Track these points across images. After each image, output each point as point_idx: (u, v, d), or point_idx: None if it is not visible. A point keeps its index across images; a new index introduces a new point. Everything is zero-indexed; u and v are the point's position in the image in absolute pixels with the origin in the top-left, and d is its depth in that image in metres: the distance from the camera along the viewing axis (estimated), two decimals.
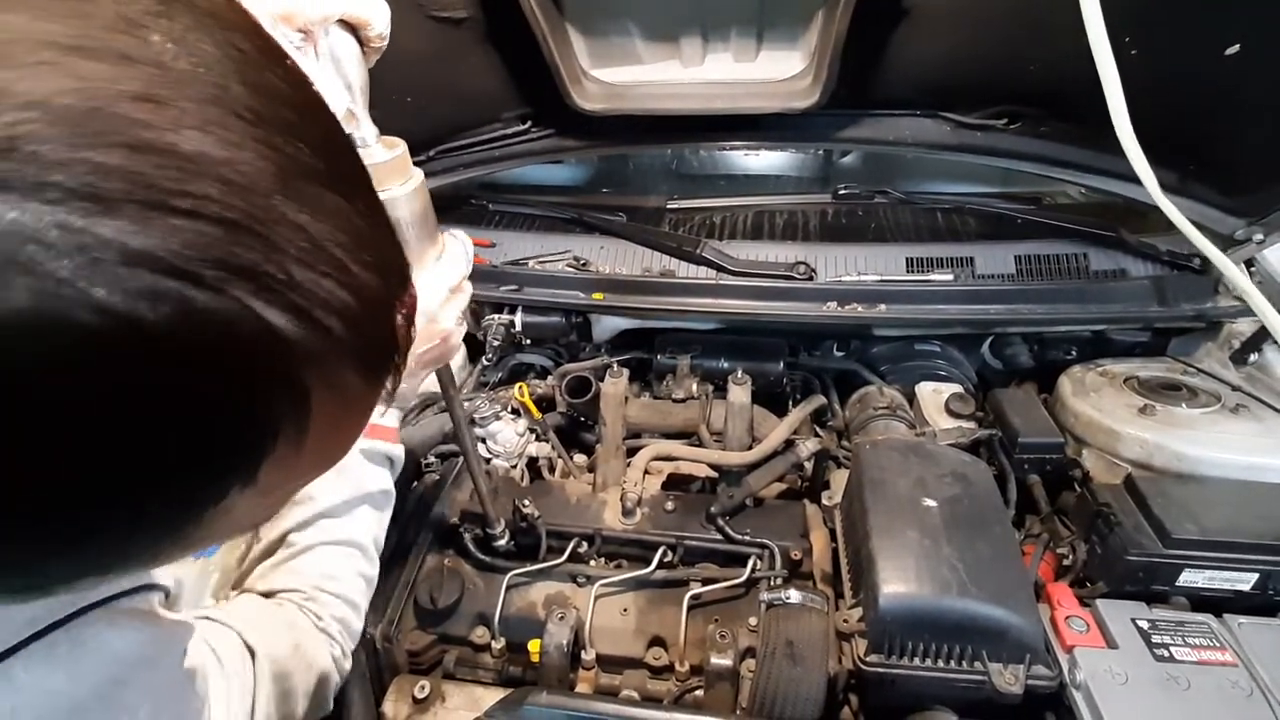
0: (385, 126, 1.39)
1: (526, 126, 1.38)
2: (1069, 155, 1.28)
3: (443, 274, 0.85)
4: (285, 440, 0.30)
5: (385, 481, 0.90)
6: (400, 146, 0.75)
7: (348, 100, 0.69)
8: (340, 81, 0.68)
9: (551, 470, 1.56)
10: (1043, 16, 0.97)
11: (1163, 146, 1.23)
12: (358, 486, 0.86)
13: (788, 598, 1.02)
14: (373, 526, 0.88)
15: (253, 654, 0.68)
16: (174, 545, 0.31)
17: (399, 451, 0.92)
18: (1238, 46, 0.94)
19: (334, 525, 0.83)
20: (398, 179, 0.75)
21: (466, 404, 1.48)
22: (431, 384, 1.62)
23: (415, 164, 1.52)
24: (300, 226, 0.27)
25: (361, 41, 0.69)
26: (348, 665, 0.83)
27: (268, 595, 0.79)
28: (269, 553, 0.82)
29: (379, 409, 0.86)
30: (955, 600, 1.00)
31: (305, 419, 0.30)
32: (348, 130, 0.71)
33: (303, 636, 0.75)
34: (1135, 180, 1.32)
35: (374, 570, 0.89)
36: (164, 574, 0.57)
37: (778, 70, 1.20)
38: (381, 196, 0.74)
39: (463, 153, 1.46)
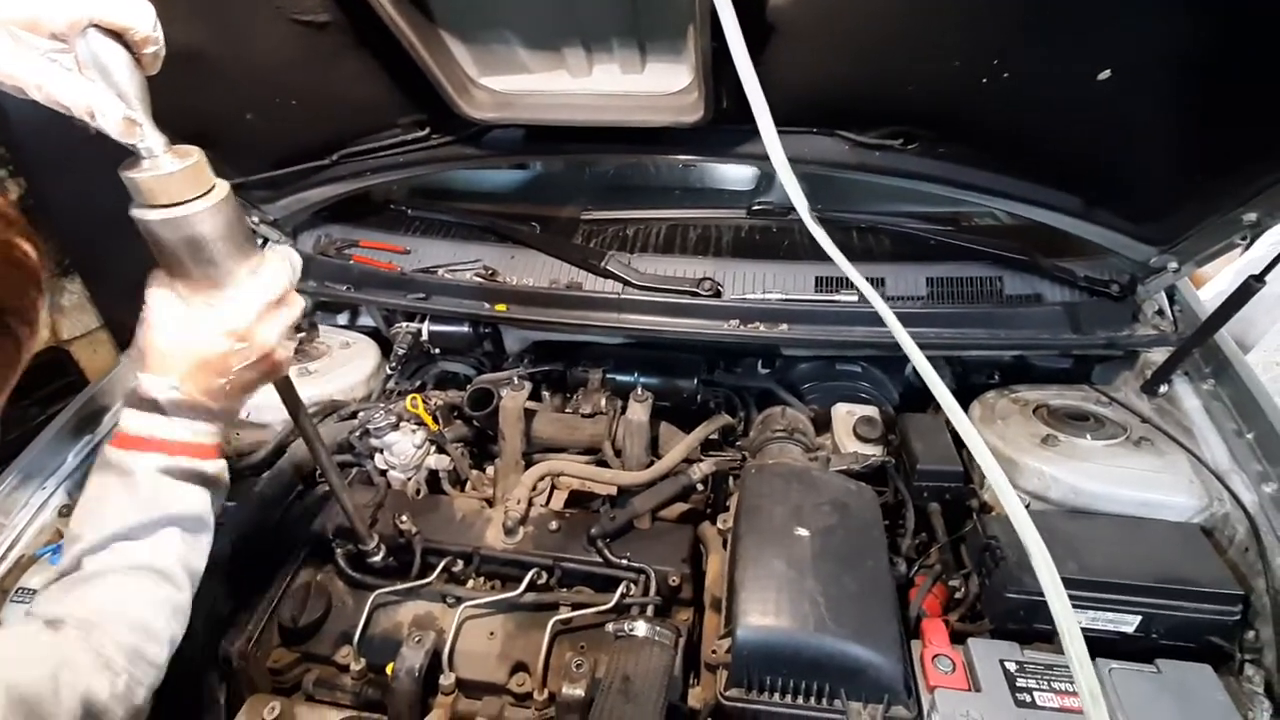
0: (277, 130, 1.37)
1: (426, 133, 1.35)
2: (970, 177, 1.24)
3: (256, 289, 0.79)
4: None
5: (196, 504, 0.82)
6: (194, 155, 0.72)
7: (122, 108, 0.66)
8: (110, 90, 0.65)
9: (457, 483, 1.53)
10: (908, 39, 0.94)
11: (1058, 172, 1.21)
12: (158, 507, 0.79)
13: (633, 630, 0.99)
14: (178, 549, 0.81)
15: None
16: None
17: (216, 468, 0.83)
18: (1109, 72, 0.91)
19: (131, 549, 0.78)
20: (192, 190, 0.72)
21: (361, 413, 1.45)
22: (331, 391, 1.60)
23: (316, 168, 1.51)
24: None
25: (131, 47, 0.66)
26: (140, 695, 0.76)
27: (52, 622, 0.74)
28: (61, 575, 0.77)
29: (190, 428, 0.80)
30: (811, 636, 0.96)
31: None
32: (130, 140, 0.69)
33: (66, 666, 0.70)
34: (1043, 204, 1.31)
35: (182, 595, 0.82)
36: None
37: (665, 84, 1.17)
38: (179, 214, 0.73)
39: (366, 158, 1.43)
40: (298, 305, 0.85)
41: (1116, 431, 1.33)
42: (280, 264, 0.82)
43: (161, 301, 0.77)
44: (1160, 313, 1.45)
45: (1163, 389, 1.38)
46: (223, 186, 0.75)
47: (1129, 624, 1.09)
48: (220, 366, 0.78)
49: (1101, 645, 1.07)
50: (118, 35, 0.64)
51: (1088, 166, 1.15)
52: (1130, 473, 1.23)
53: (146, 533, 0.79)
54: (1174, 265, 1.32)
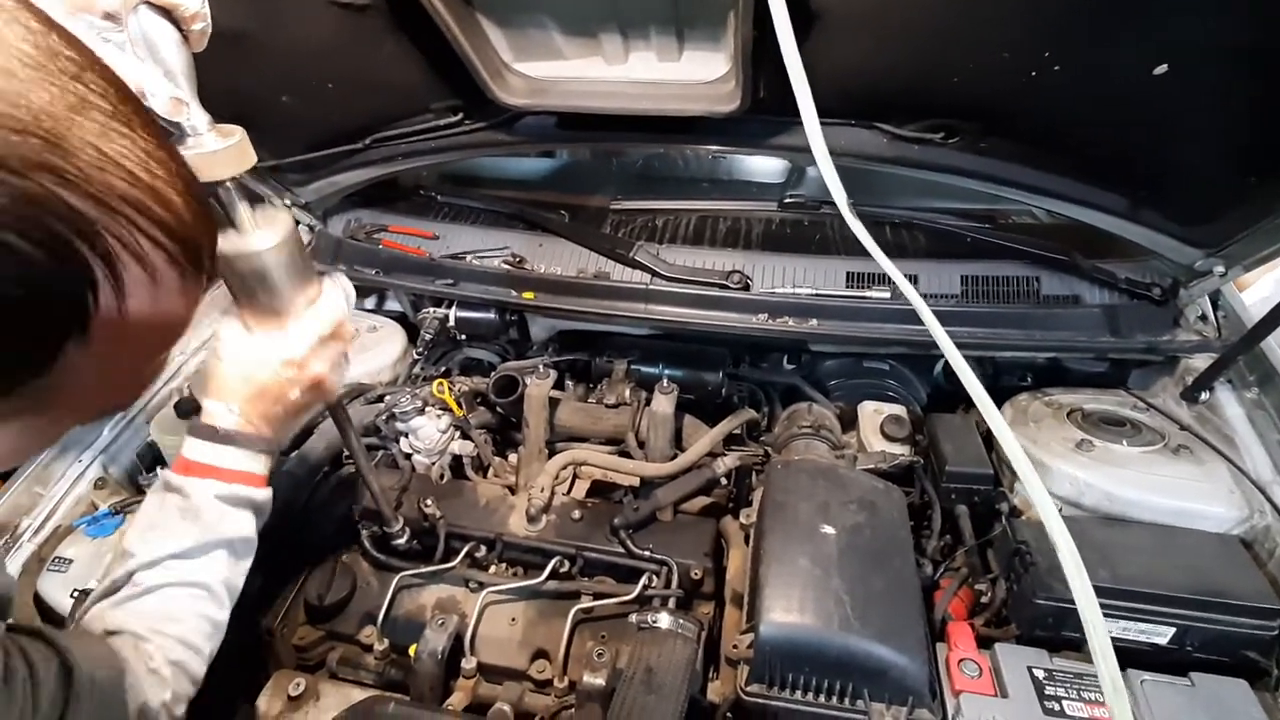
0: (312, 112, 1.38)
1: (459, 119, 1.35)
2: (1012, 174, 1.21)
3: (313, 322, 0.86)
4: (105, 296, 0.42)
5: (245, 528, 0.87)
6: (237, 134, 0.73)
7: (170, 87, 0.66)
8: (158, 68, 0.66)
9: (480, 469, 1.54)
10: (956, 29, 0.91)
11: (1105, 169, 1.18)
12: (212, 530, 0.83)
13: (656, 622, 0.99)
14: (225, 570, 0.85)
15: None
16: (27, 403, 0.43)
17: (264, 496, 0.89)
18: (1165, 66, 0.88)
19: (183, 566, 0.81)
20: (235, 168, 0.73)
21: (388, 397, 1.46)
22: (358, 374, 1.62)
23: (348, 152, 1.51)
24: (89, 141, 0.40)
25: (179, 25, 0.66)
26: (180, 711, 0.79)
27: (106, 634, 0.77)
28: (114, 590, 0.80)
29: (248, 456, 0.84)
30: (835, 635, 0.95)
31: (119, 280, 0.42)
32: (175, 118, 0.69)
33: (128, 671, 0.72)
34: (1086, 203, 1.27)
35: (223, 614, 0.86)
36: None
37: (702, 72, 1.15)
38: (248, 252, 0.75)
39: (398, 142, 1.43)
40: (349, 336, 0.92)
41: (1154, 438, 1.30)
42: (337, 296, 0.89)
43: (230, 337, 0.85)
44: (1203, 318, 1.41)
45: (1204, 396, 1.34)
46: (285, 224, 0.80)
47: (1162, 635, 1.06)
48: (277, 394, 0.86)
49: (1134, 656, 1.05)
50: (167, 12, 0.65)
51: (1136, 165, 1.12)
52: (1167, 481, 1.20)
53: (199, 553, 0.83)
54: (1220, 269, 1.28)
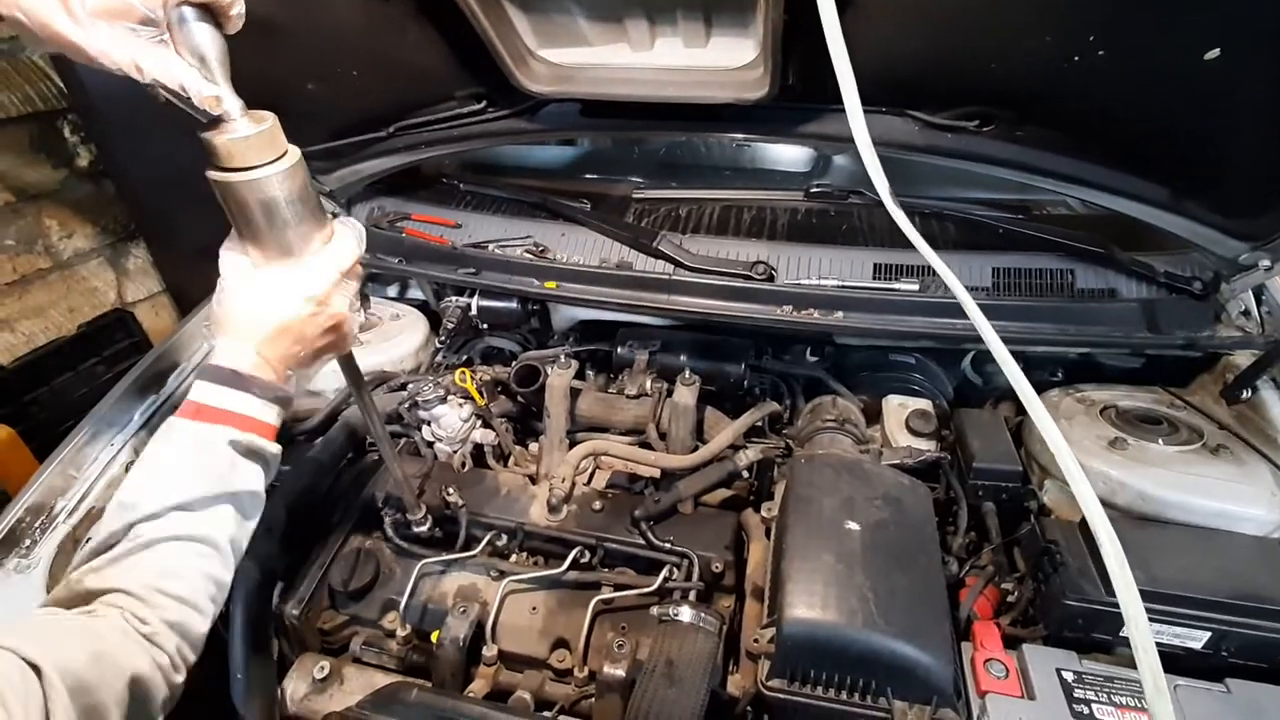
0: (337, 100, 1.38)
1: (482, 106, 1.34)
2: (1049, 163, 1.17)
3: (332, 258, 0.81)
4: None
5: (255, 482, 0.82)
6: (269, 120, 0.73)
7: (210, 86, 0.67)
8: (198, 66, 0.66)
9: (501, 457, 1.54)
10: (995, 12, 0.88)
11: (1147, 159, 1.14)
12: (222, 482, 0.77)
13: (678, 615, 0.98)
14: (231, 527, 0.79)
15: (37, 670, 0.59)
16: None
17: (275, 451, 0.83)
18: (1218, 51, 0.84)
19: (187, 520, 0.75)
20: (266, 154, 0.73)
21: (410, 386, 1.47)
22: (381, 362, 1.63)
23: (372, 140, 1.51)
24: None
25: (217, 17, 0.66)
26: (179, 678, 0.73)
27: (95, 593, 0.70)
28: (110, 545, 0.73)
29: (262, 404, 0.80)
30: (858, 632, 0.94)
31: None
32: (214, 112, 0.69)
33: (105, 645, 0.66)
34: (1126, 194, 1.23)
35: (227, 574, 0.79)
36: None
37: (730, 59, 1.13)
38: (253, 176, 0.74)
39: (422, 130, 1.43)
40: (359, 274, 0.87)
41: (1191, 437, 1.26)
42: (351, 236, 0.85)
43: (238, 271, 0.79)
44: (1246, 313, 1.36)
45: (1245, 394, 1.29)
46: (294, 152, 0.77)
47: (1197, 640, 1.03)
48: (298, 333, 0.80)
49: (1168, 661, 1.01)
50: (206, 8, 0.65)
51: (1181, 154, 1.08)
52: (1205, 481, 1.17)
53: (206, 506, 0.77)
54: (1266, 263, 1.23)
